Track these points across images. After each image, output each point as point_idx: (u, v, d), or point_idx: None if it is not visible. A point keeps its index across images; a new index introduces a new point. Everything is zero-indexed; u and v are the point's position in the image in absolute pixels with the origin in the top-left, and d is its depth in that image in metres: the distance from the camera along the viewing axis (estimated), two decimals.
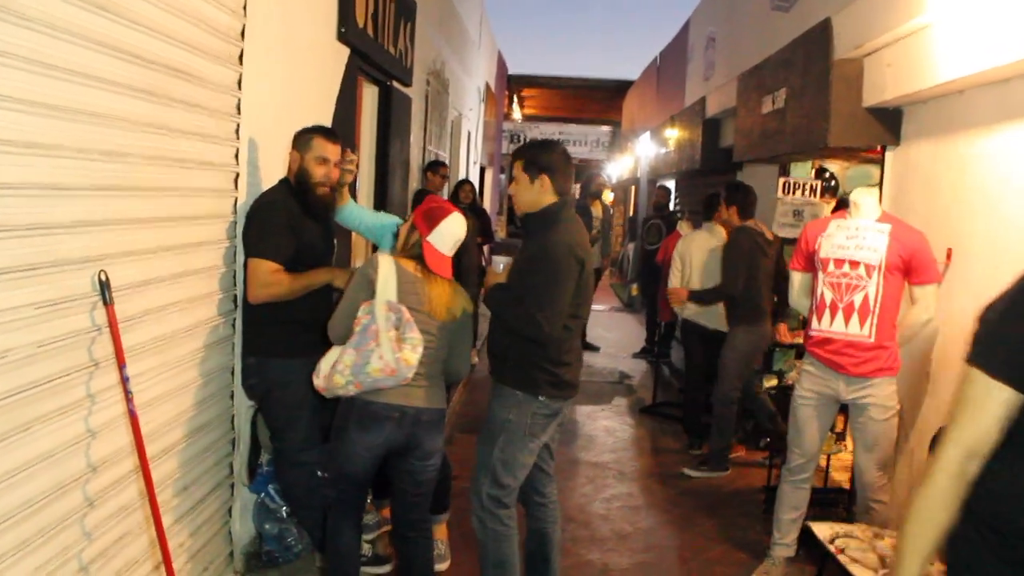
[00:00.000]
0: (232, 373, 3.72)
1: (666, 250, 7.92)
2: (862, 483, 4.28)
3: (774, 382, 6.75)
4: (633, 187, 19.35)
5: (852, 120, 5.00)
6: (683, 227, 7.94)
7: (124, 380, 2.62)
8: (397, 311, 3.22)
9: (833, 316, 4.23)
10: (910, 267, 4.12)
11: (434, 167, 8.36)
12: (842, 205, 7.26)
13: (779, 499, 4.56)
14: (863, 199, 4.27)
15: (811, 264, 4.42)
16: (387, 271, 3.25)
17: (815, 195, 7.05)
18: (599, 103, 24.35)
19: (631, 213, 19.20)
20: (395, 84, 6.77)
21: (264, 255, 3.45)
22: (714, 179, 9.81)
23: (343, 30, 5.04)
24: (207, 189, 3.36)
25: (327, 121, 4.71)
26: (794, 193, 7.01)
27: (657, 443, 7.01)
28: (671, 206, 10.21)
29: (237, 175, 3.62)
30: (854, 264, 4.18)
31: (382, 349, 3.15)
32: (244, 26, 3.55)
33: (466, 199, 8.75)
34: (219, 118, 3.41)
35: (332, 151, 3.74)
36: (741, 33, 8.19)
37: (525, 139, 23.52)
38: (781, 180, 6.96)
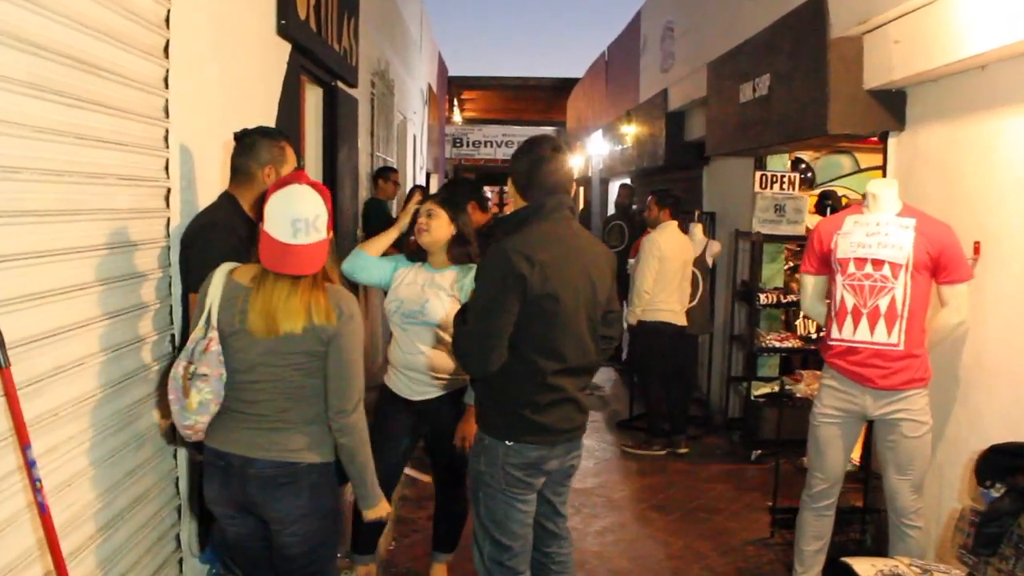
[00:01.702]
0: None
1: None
2: (895, 508, 3.81)
3: (765, 390, 6.34)
4: (582, 187, 18.90)
5: (853, 104, 4.55)
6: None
7: (29, 465, 2.01)
8: (202, 339, 2.55)
9: (856, 323, 3.76)
10: (939, 265, 3.67)
11: (384, 173, 7.77)
12: (824, 198, 6.88)
13: (800, 528, 4.09)
14: (882, 191, 3.81)
15: (825, 265, 3.96)
16: (215, 284, 2.59)
17: (794, 188, 6.63)
18: (542, 103, 23.93)
19: (579, 210, 18.75)
20: (340, 85, 6.18)
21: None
22: (678, 175, 9.37)
23: (283, 22, 4.44)
24: (131, 210, 2.75)
25: (269, 125, 4.10)
26: (772, 187, 6.59)
27: (643, 463, 6.51)
28: (633, 205, 9.72)
29: (168, 191, 3.01)
30: (877, 264, 3.72)
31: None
32: (169, 11, 2.95)
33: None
34: (142, 122, 2.81)
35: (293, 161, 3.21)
36: (706, 20, 7.74)
37: (468, 142, 22.99)
38: (758, 174, 6.53)
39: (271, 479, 2.59)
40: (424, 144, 14.58)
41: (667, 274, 6.51)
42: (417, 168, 13.35)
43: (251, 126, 3.19)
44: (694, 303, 6.98)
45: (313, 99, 5.89)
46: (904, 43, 4.14)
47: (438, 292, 3.67)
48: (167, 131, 2.97)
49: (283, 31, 4.46)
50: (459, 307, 3.63)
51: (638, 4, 11.40)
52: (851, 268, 3.78)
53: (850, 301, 3.78)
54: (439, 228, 3.71)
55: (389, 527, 4.85)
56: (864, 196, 3.92)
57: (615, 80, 13.35)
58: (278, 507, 2.61)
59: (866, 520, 4.66)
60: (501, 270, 2.80)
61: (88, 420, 2.50)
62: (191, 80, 3.16)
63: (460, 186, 6.38)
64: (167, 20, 2.95)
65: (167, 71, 2.96)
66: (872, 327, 3.73)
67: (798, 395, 4.67)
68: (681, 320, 6.63)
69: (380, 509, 2.79)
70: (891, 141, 4.66)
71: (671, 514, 5.39)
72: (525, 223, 2.95)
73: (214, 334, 2.54)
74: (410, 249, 3.87)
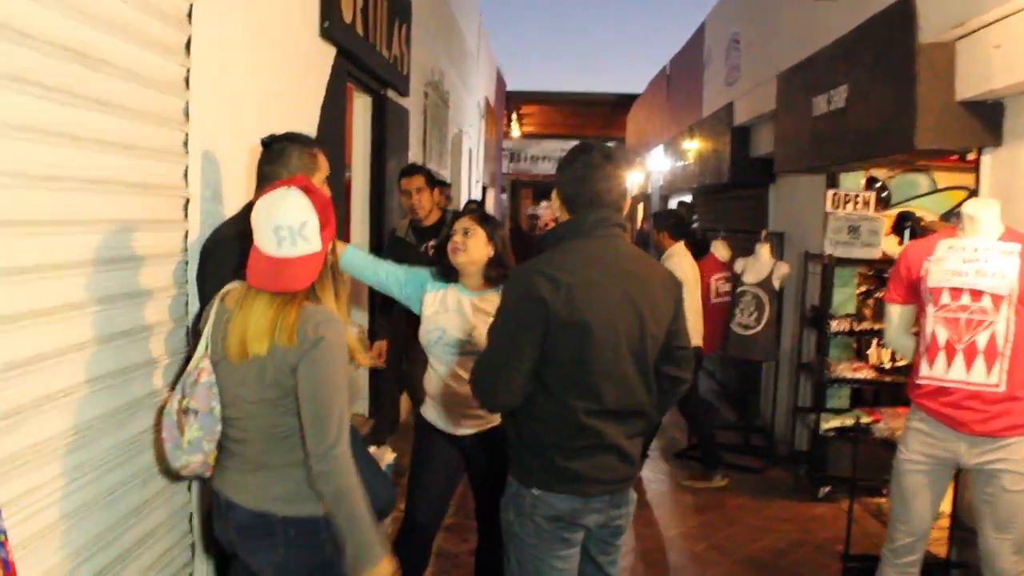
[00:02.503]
0: None
1: (702, 276, 7.04)
2: (992, 570, 3.38)
3: (835, 423, 5.91)
4: (641, 204, 18.51)
5: (943, 116, 4.14)
6: (719, 248, 7.06)
7: None
8: (194, 370, 2.29)
9: (950, 360, 3.36)
10: None
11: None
12: (903, 219, 6.43)
13: None
14: (981, 213, 3.40)
15: (913, 295, 3.55)
16: (212, 308, 2.32)
17: (868, 208, 6.20)
18: (601, 119, 23.59)
19: (639, 228, 18.34)
20: (390, 94, 5.93)
21: None
22: (743, 192, 8.95)
23: (327, 24, 4.19)
24: (142, 220, 2.49)
25: (310, 133, 3.82)
26: (845, 207, 6.17)
27: (701, 497, 6.10)
28: (693, 224, 9.33)
29: (187, 201, 2.75)
30: (976, 295, 3.32)
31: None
32: (192, 5, 2.70)
33: None
34: (158, 125, 2.55)
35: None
36: (775, 30, 7.33)
37: (526, 157, 22.76)
38: (830, 193, 6.11)
39: (247, 528, 2.30)
40: (481, 158, 14.36)
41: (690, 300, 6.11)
42: (473, 182, 13.12)
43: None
44: (759, 328, 6.58)
45: (361, 107, 5.66)
46: (1006, 47, 3.72)
47: (485, 319, 3.34)
48: (187, 135, 2.71)
49: (327, 34, 4.22)
50: None
51: (701, 17, 11.04)
52: (944, 299, 3.38)
53: (943, 335, 3.38)
54: (476, 248, 3.37)
55: (427, 566, 4.53)
56: (958, 218, 3.51)
57: (677, 95, 12.97)
58: (257, 558, 2.32)
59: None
60: (520, 292, 2.47)
61: (87, 453, 2.23)
62: (216, 82, 2.90)
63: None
64: (189, 15, 2.69)
65: (188, 70, 2.70)
66: (968, 365, 3.32)
67: (876, 435, 4.26)
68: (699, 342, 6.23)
69: (383, 569, 2.25)
70: (985, 158, 4.24)
71: (732, 556, 4.98)
72: (561, 240, 2.59)
73: (205, 364, 2.26)
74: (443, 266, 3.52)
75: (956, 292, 3.36)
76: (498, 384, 2.47)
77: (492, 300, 3.37)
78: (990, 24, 3.84)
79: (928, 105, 4.15)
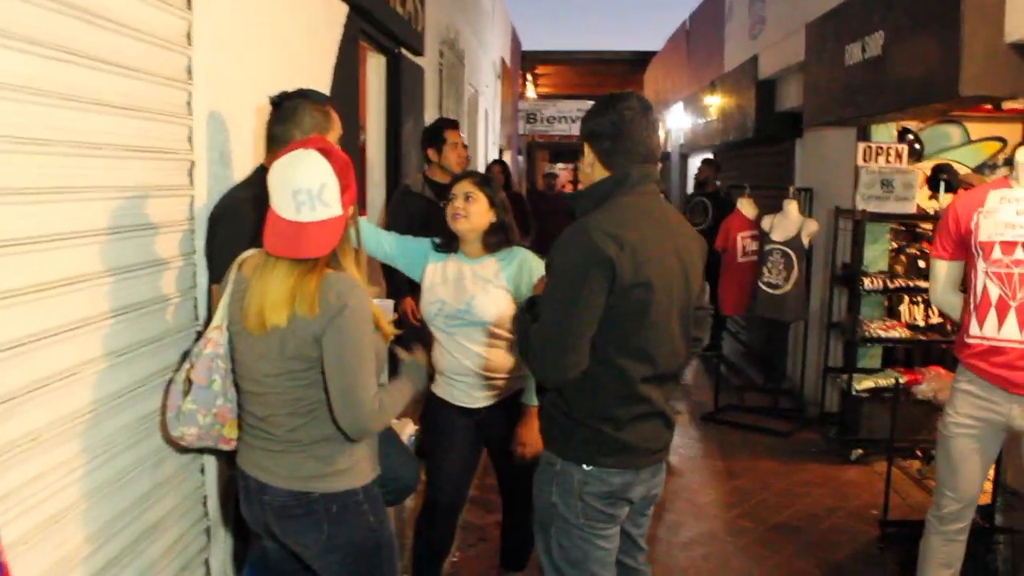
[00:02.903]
0: None
1: (726, 234, 6.85)
2: None
3: (868, 383, 5.74)
4: (659, 164, 18.19)
5: (991, 60, 3.90)
6: (745, 205, 6.85)
7: None
8: (203, 340, 2.23)
9: (1002, 318, 3.17)
10: None
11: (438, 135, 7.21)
12: (938, 172, 6.20)
13: (925, 554, 3.52)
14: None
15: (962, 249, 3.36)
16: (229, 277, 2.24)
17: (901, 161, 5.97)
18: (618, 77, 23.17)
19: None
20: (405, 53, 5.73)
21: None
22: (768, 148, 8.70)
23: None
24: (144, 187, 2.33)
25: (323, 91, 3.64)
26: (876, 160, 5.95)
27: (731, 462, 5.95)
28: (717, 181, 9.07)
29: (192, 165, 2.59)
30: None
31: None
32: None
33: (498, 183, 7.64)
34: (159, 84, 2.39)
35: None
36: None
37: (542, 118, 22.44)
38: (861, 146, 5.90)
39: (284, 509, 2.20)
40: (497, 119, 14.11)
41: None
42: (490, 144, 12.91)
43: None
44: (788, 287, 6.38)
45: (375, 67, 5.47)
46: None
47: (485, 285, 3.18)
48: (190, 95, 2.54)
49: None
50: (507, 297, 3.16)
51: None
52: (996, 253, 3.19)
53: (995, 292, 3.19)
54: (479, 214, 3.20)
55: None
56: (1010, 166, 3.30)
57: (697, 50, 12.65)
58: (298, 539, 2.23)
59: (997, 541, 4.06)
60: (583, 253, 2.27)
61: (88, 438, 2.09)
62: (221, 37, 2.73)
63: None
64: None
65: (190, 24, 2.53)
66: (1022, 323, 3.14)
67: (919, 396, 4.08)
68: None
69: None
70: None
71: (765, 523, 4.85)
72: (608, 197, 2.41)
73: (214, 335, 2.18)
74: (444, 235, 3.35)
75: (1009, 246, 3.17)
76: (565, 356, 2.29)
77: (491, 266, 3.21)
78: None
79: (974, 49, 3.91)
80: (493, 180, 3.33)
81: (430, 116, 6.83)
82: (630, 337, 2.35)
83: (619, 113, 2.41)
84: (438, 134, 4.82)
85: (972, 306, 3.27)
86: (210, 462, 2.75)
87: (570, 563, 2.46)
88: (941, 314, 5.72)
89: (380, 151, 5.56)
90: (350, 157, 2.15)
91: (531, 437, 3.11)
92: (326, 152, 2.07)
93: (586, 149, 2.48)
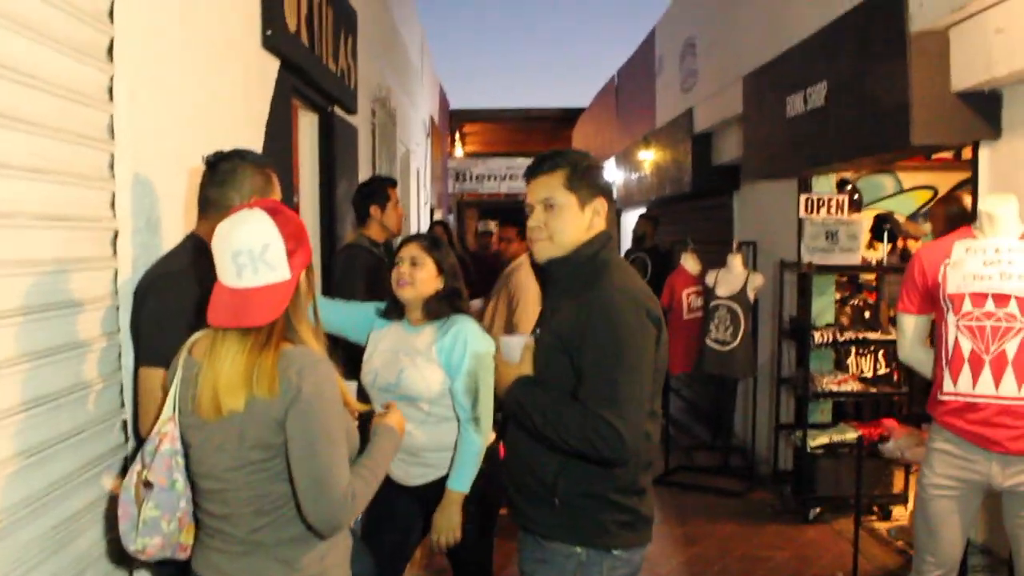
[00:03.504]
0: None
1: (671, 291, 6.73)
2: None
3: (823, 440, 5.62)
4: None
5: (940, 109, 3.88)
6: (689, 261, 6.76)
7: None
8: (155, 436, 1.96)
9: (976, 373, 3.07)
10: None
11: (378, 193, 6.96)
12: (881, 221, 6.20)
13: None
14: (999, 210, 3.13)
15: (929, 303, 3.26)
16: (179, 362, 1.98)
17: (842, 212, 5.96)
18: (545, 134, 23.36)
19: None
20: (338, 111, 5.52)
21: (156, 361, 2.17)
22: (705, 202, 8.68)
23: (269, 33, 3.78)
24: (62, 259, 2.06)
25: (255, 149, 3.39)
26: (818, 211, 5.91)
27: (688, 527, 5.75)
28: (655, 237, 9.00)
29: (116, 234, 2.32)
30: (1001, 299, 3.04)
31: None
32: (112, 1, 2.28)
33: None
34: (77, 144, 2.13)
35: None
36: (736, 30, 7.05)
37: (472, 177, 22.40)
38: (803, 197, 5.85)
39: None
40: (428, 178, 13.96)
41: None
42: (422, 203, 12.71)
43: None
44: (735, 343, 6.27)
45: (307, 125, 5.24)
46: (1010, 32, 3.47)
47: (414, 358, 2.96)
48: (112, 156, 2.28)
49: (269, 43, 3.81)
50: (437, 371, 2.92)
51: (648, 25, 10.81)
52: (967, 306, 3.09)
53: (967, 346, 3.09)
54: (425, 281, 3.00)
55: None
56: (924, 219, 3.25)
57: (627, 105, 12.73)
58: None
59: None
60: (640, 317, 2.20)
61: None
62: (145, 92, 2.47)
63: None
64: (111, 13, 2.27)
65: (111, 78, 2.28)
66: (997, 378, 3.03)
67: (887, 455, 3.96)
68: None
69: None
70: (983, 152, 3.99)
71: None
72: (611, 259, 2.35)
73: (169, 428, 1.91)
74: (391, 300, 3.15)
75: (979, 298, 3.08)
76: (643, 427, 2.18)
77: (426, 337, 2.99)
78: (990, 7, 3.58)
79: (923, 98, 3.88)
80: (442, 244, 3.12)
81: (364, 175, 6.60)
82: (654, 399, 2.28)
83: (598, 166, 2.40)
84: (382, 191, 4.60)
85: (944, 361, 3.16)
86: (140, 568, 2.43)
87: None
88: (899, 366, 5.67)
89: (314, 213, 5.31)
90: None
91: (448, 523, 2.94)
92: (274, 211, 1.85)
93: (599, 202, 2.35)
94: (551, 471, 2.26)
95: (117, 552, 2.29)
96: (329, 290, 4.91)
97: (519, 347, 2.35)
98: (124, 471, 2.35)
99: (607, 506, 2.24)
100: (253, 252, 1.80)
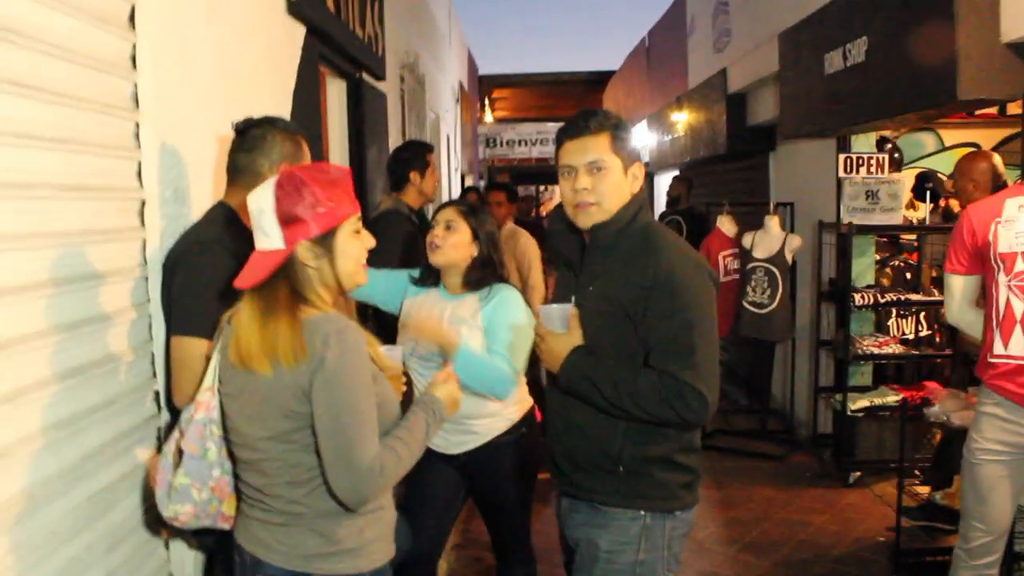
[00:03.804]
0: None
1: (707, 253, 6.63)
2: None
3: (863, 403, 5.53)
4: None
5: (989, 61, 3.73)
6: (725, 222, 6.64)
7: None
8: (192, 405, 1.97)
9: None
10: None
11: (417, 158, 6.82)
12: (923, 180, 6.04)
13: None
14: None
15: (978, 263, 3.15)
16: (221, 332, 1.97)
17: (882, 170, 5.81)
18: (575, 98, 23.12)
19: None
20: (366, 77, 5.45)
21: (190, 331, 2.14)
22: (740, 163, 8.54)
23: (295, 0, 3.72)
24: (89, 231, 2.03)
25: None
26: (858, 171, 5.77)
27: (726, 491, 5.70)
28: (689, 199, 8.86)
29: (143, 203, 2.29)
30: None
31: None
32: None
33: None
34: (101, 114, 2.09)
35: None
36: None
37: (502, 142, 22.25)
38: (842, 157, 5.70)
39: None
40: (458, 145, 13.87)
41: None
42: (453, 169, 12.64)
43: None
44: (773, 305, 6.17)
45: (336, 92, 5.18)
46: None
47: (458, 327, 2.89)
48: (137, 125, 2.24)
49: (295, 10, 3.74)
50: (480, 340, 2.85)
51: None
52: (1019, 265, 2.98)
53: (1019, 307, 2.98)
54: (457, 246, 2.92)
55: None
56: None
57: (658, 66, 12.53)
58: None
59: (1019, 568, 3.84)
60: (705, 278, 2.22)
61: (21, 531, 1.76)
62: (168, 60, 2.42)
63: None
64: None
65: (134, 46, 2.23)
66: None
67: (932, 419, 3.86)
68: None
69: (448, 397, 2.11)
70: None
71: (769, 557, 4.59)
72: (649, 222, 2.33)
73: (205, 397, 1.91)
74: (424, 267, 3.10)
75: None
76: (716, 379, 2.17)
77: (469, 305, 2.92)
78: None
79: (971, 50, 3.73)
80: (481, 211, 3.04)
81: (394, 142, 6.54)
82: None
83: (627, 127, 2.34)
84: (422, 156, 4.53)
85: (995, 323, 3.06)
86: (175, 538, 2.42)
87: None
88: (941, 328, 5.55)
89: None
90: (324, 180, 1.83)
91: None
92: (284, 179, 1.81)
93: (639, 167, 2.34)
94: (616, 440, 2.23)
95: (153, 523, 2.29)
96: None
97: (563, 316, 2.28)
98: (157, 442, 2.34)
99: (672, 468, 2.24)
100: (254, 215, 1.81)
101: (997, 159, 4.21)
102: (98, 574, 2.04)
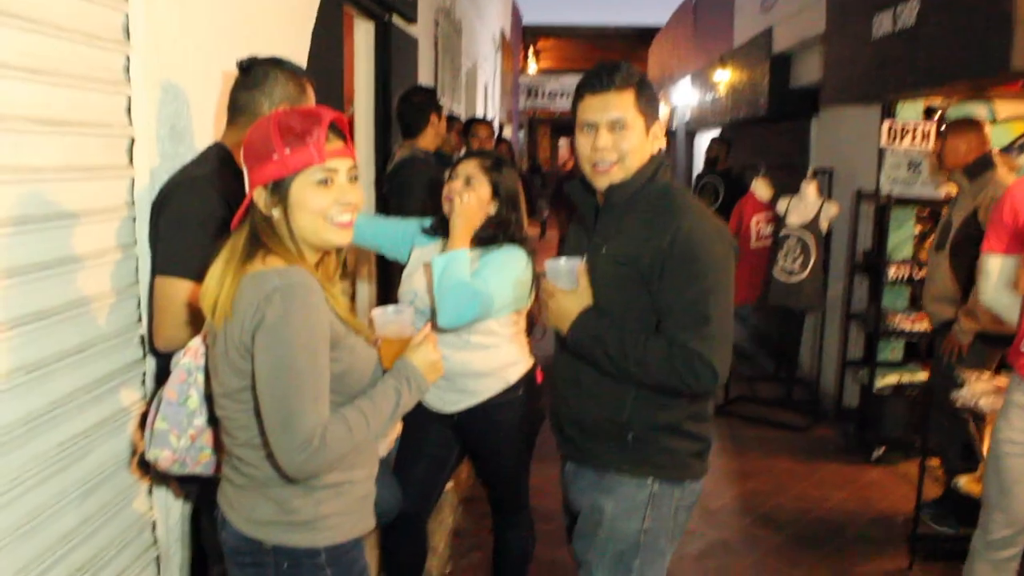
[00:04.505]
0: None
1: (739, 217, 6.45)
2: None
3: (892, 379, 5.37)
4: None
5: None
6: (760, 186, 6.44)
7: None
8: (182, 350, 1.94)
9: None
10: None
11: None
12: None
13: None
14: None
15: (1019, 244, 2.98)
16: None
17: (928, 141, 5.57)
18: (620, 52, 22.75)
19: None
20: (396, 20, 5.30)
21: (173, 271, 2.05)
22: (781, 127, 8.28)
23: None
24: (72, 167, 1.94)
25: (299, 61, 3.21)
26: (901, 140, 5.54)
27: (744, 461, 5.58)
28: (728, 160, 8.63)
29: (132, 141, 2.19)
30: None
31: None
32: None
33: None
34: (86, 46, 1.99)
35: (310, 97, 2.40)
36: None
37: (544, 93, 21.99)
38: (886, 125, 5.47)
39: (236, 553, 1.83)
40: (497, 94, 13.68)
41: None
42: (489, 119, 12.48)
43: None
44: (804, 274, 5.98)
45: (363, 35, 5.04)
46: None
47: None
48: (128, 58, 2.14)
49: None
50: None
51: None
52: None
53: None
54: (475, 203, 2.73)
55: (444, 546, 4.07)
56: (1020, 151, 2.92)
57: (704, 23, 12.19)
58: None
59: None
60: (725, 242, 2.12)
61: (13, 457, 1.71)
62: None
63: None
64: None
65: None
66: None
67: (959, 404, 3.70)
68: None
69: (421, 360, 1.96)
70: None
71: (783, 531, 4.48)
72: (668, 183, 2.21)
73: (195, 343, 1.85)
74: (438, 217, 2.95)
75: None
76: (728, 350, 2.08)
77: (472, 262, 2.80)
78: None
79: None
80: (506, 166, 2.89)
81: None
82: None
83: (649, 81, 2.17)
84: (435, 98, 4.44)
85: None
86: (160, 485, 2.37)
87: None
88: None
89: (368, 126, 5.15)
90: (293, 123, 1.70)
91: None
92: (263, 116, 1.73)
93: (659, 126, 2.21)
94: (626, 406, 2.16)
95: (137, 469, 2.23)
96: (386, 207, 4.78)
97: (571, 272, 2.18)
98: (143, 387, 2.28)
99: (681, 436, 2.18)
100: None
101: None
102: (72, 520, 1.99)
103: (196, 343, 1.88)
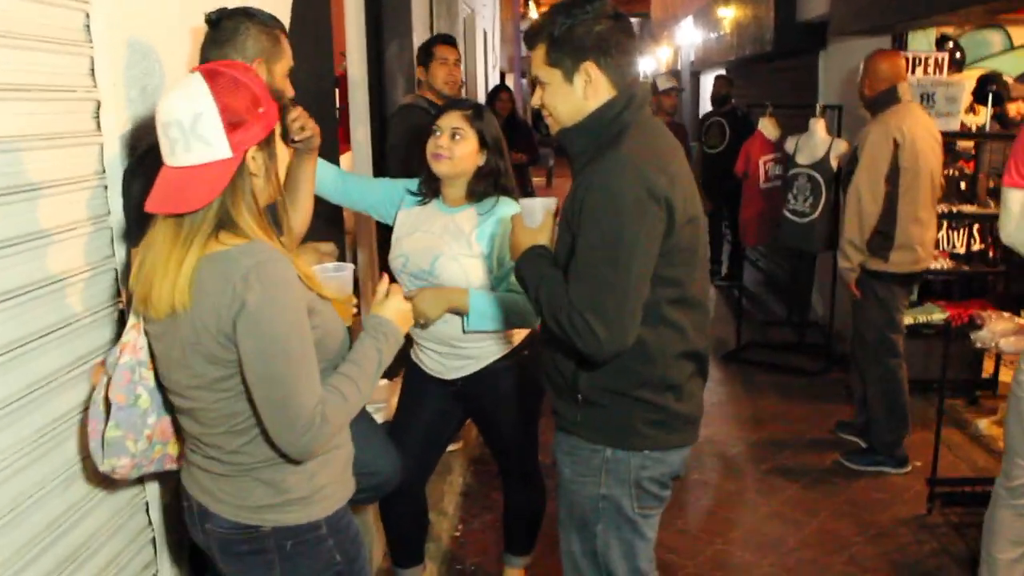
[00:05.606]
0: None
1: (747, 158, 6.28)
2: None
3: (907, 320, 5.24)
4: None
5: None
6: (767, 125, 6.26)
7: None
8: (117, 346, 1.79)
9: None
10: None
11: None
12: (986, 83, 5.59)
13: (991, 528, 3.07)
14: None
15: None
16: (134, 257, 1.81)
17: (941, 71, 5.39)
18: None
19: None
20: None
21: None
22: (787, 63, 8.05)
23: None
24: (33, 135, 1.82)
25: (282, 14, 3.05)
26: (914, 71, 5.36)
27: (759, 407, 5.50)
28: (732, 99, 8.42)
29: (98, 104, 2.07)
30: None
31: None
32: None
33: (503, 110, 7.04)
34: (40, 1, 1.85)
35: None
36: None
37: None
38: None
39: (229, 543, 1.75)
40: (497, 41, 13.40)
41: None
42: (490, 67, 12.24)
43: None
44: (815, 214, 5.82)
45: None
46: None
47: (451, 244, 2.68)
48: (87, 16, 2.00)
49: None
50: (477, 263, 2.64)
51: None
52: None
53: None
54: (465, 157, 2.68)
55: (454, 507, 4.01)
56: None
57: None
58: None
59: None
60: (636, 191, 1.89)
61: None
62: None
63: None
64: None
65: None
66: None
67: (979, 345, 3.58)
68: None
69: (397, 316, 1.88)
70: None
71: (800, 479, 4.41)
72: (622, 126, 2.02)
73: (131, 336, 1.71)
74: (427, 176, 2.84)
75: None
76: (628, 319, 1.90)
77: (468, 219, 2.69)
78: None
79: None
80: (487, 114, 2.77)
81: (419, 39, 6.19)
82: (684, 285, 2.03)
83: (606, 17, 2.00)
84: (427, 49, 4.32)
85: None
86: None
87: (622, 561, 2.15)
88: (996, 243, 5.21)
89: (363, 78, 4.97)
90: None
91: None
92: (212, 74, 1.57)
93: (587, 68, 2.01)
94: (572, 362, 2.08)
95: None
96: (382, 156, 4.65)
97: (540, 211, 2.13)
98: None
99: (632, 403, 2.06)
100: (183, 124, 1.55)
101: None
102: (58, 507, 1.90)
103: (131, 338, 1.75)
